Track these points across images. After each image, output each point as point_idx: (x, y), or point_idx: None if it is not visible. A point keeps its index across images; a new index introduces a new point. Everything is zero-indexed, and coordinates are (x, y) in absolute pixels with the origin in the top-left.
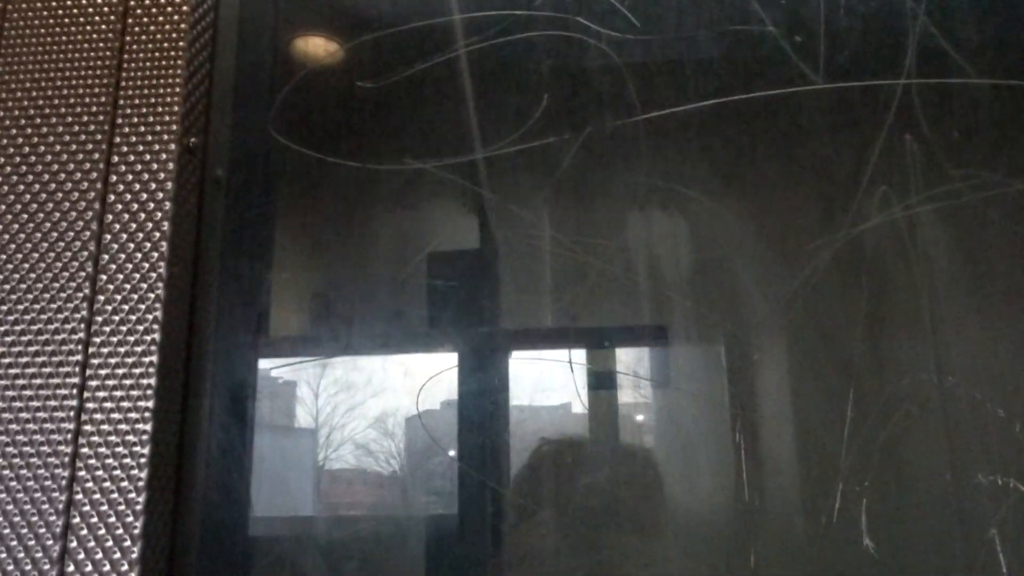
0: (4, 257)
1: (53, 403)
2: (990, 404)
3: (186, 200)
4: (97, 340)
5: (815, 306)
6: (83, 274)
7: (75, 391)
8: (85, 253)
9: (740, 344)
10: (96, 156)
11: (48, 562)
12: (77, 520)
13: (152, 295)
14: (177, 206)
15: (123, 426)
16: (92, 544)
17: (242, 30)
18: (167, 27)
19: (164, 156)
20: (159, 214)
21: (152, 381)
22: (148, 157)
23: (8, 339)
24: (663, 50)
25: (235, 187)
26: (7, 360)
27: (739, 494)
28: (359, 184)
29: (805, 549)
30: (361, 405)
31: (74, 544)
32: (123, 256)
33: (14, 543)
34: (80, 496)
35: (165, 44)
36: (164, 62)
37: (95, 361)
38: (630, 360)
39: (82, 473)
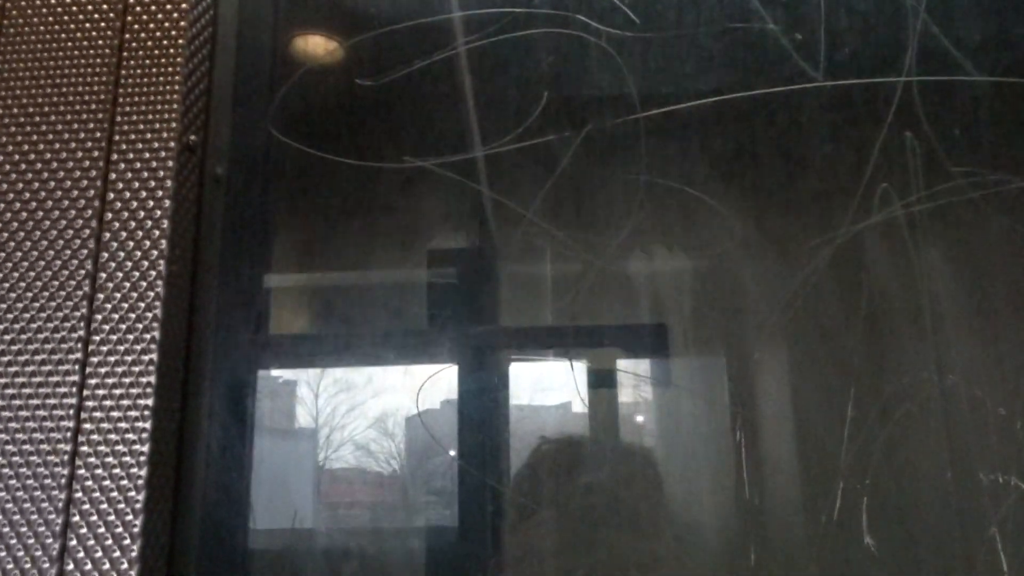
0: (4, 255)
1: (52, 401)
2: (991, 402)
3: (185, 198)
4: (96, 338)
5: (815, 304)
6: (82, 272)
7: (74, 389)
8: (84, 251)
9: (740, 343)
10: (96, 154)
11: (48, 560)
12: (77, 518)
13: (151, 293)
14: (176, 204)
15: (122, 424)
16: (92, 543)
17: (242, 28)
18: (166, 25)
19: (163, 154)
20: (158, 212)
21: (151, 379)
22: (147, 155)
23: (7, 337)
24: (663, 48)
25: (235, 185)
26: (7, 358)
27: (739, 493)
28: (359, 182)
29: (806, 548)
30: (361, 405)
31: (73, 542)
32: (122, 254)
33: (13, 541)
34: (80, 494)
35: (165, 42)
36: (164, 60)
37: (94, 359)
38: (630, 359)
39: (81, 471)
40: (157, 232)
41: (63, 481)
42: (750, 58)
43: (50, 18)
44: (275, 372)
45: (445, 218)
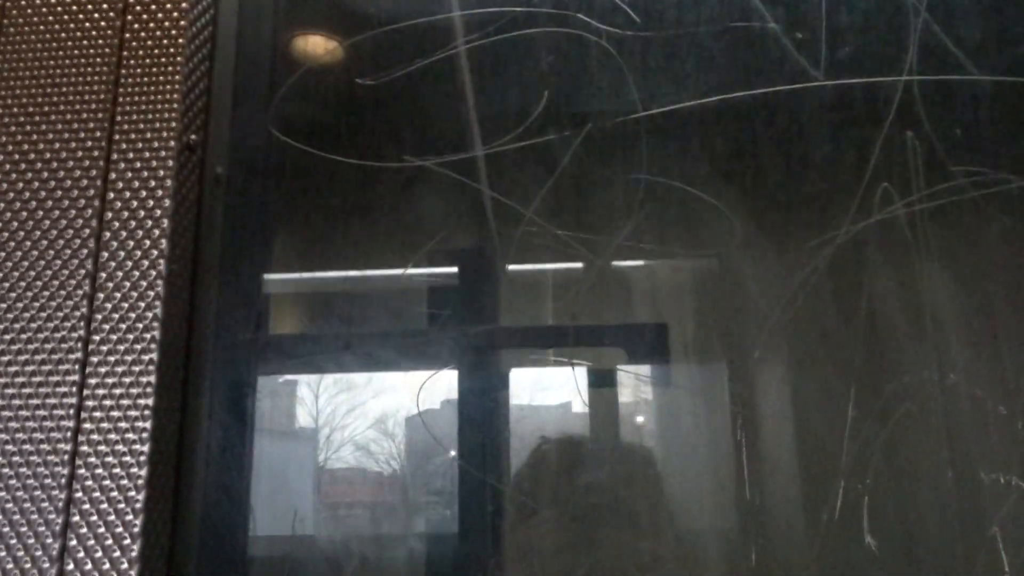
0: (4, 255)
1: (52, 400)
2: (991, 402)
3: (185, 197)
4: (96, 338)
5: (816, 304)
6: (83, 271)
7: (74, 388)
8: (85, 250)
9: (741, 342)
10: (96, 153)
11: (47, 560)
12: (77, 518)
13: (151, 292)
14: (176, 203)
15: (123, 424)
16: (92, 542)
17: (241, 27)
18: (166, 24)
19: (163, 153)
20: (158, 211)
21: (151, 379)
22: (147, 154)
23: (8, 336)
24: (664, 47)
25: (235, 184)
26: (6, 357)
27: (740, 493)
28: (359, 181)
29: (806, 547)
30: (362, 406)
31: (73, 542)
32: (122, 253)
33: (13, 541)
34: (80, 494)
35: (165, 41)
36: (163, 59)
37: (94, 359)
38: (631, 358)
39: (82, 471)
40: (157, 231)
41: (63, 481)
42: (751, 57)
43: (50, 17)
44: (275, 371)
45: (445, 218)
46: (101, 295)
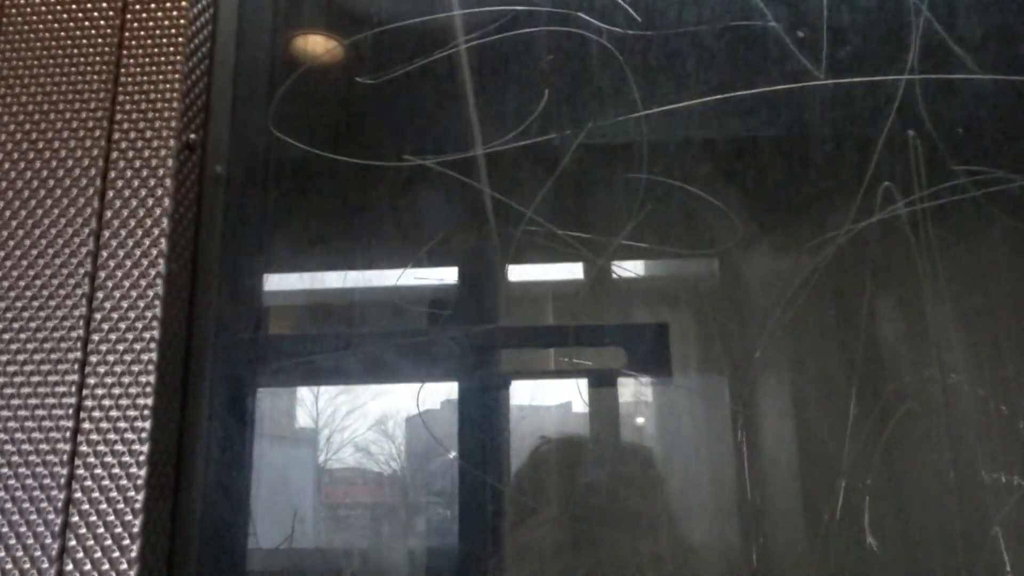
0: (3, 254)
1: (52, 400)
2: (993, 401)
3: (185, 196)
4: (96, 337)
5: (817, 303)
6: (81, 271)
7: (73, 388)
8: (84, 250)
9: (742, 341)
10: (95, 152)
11: (47, 560)
12: (76, 519)
13: (151, 292)
14: (176, 202)
15: (122, 424)
16: (91, 543)
17: (241, 25)
18: (166, 22)
19: (163, 152)
20: (158, 210)
21: (151, 379)
22: (147, 153)
23: (6, 336)
24: (664, 46)
25: (234, 183)
26: (5, 357)
27: (740, 492)
28: (359, 180)
29: (807, 547)
30: (362, 407)
31: (73, 543)
32: (122, 253)
33: (12, 541)
34: (79, 494)
35: (164, 39)
36: (163, 57)
37: (93, 359)
38: (631, 358)
39: (81, 471)
40: (156, 231)
41: (62, 481)
42: (752, 56)
43: (49, 16)
44: (275, 371)
45: (445, 218)
46: (100, 294)
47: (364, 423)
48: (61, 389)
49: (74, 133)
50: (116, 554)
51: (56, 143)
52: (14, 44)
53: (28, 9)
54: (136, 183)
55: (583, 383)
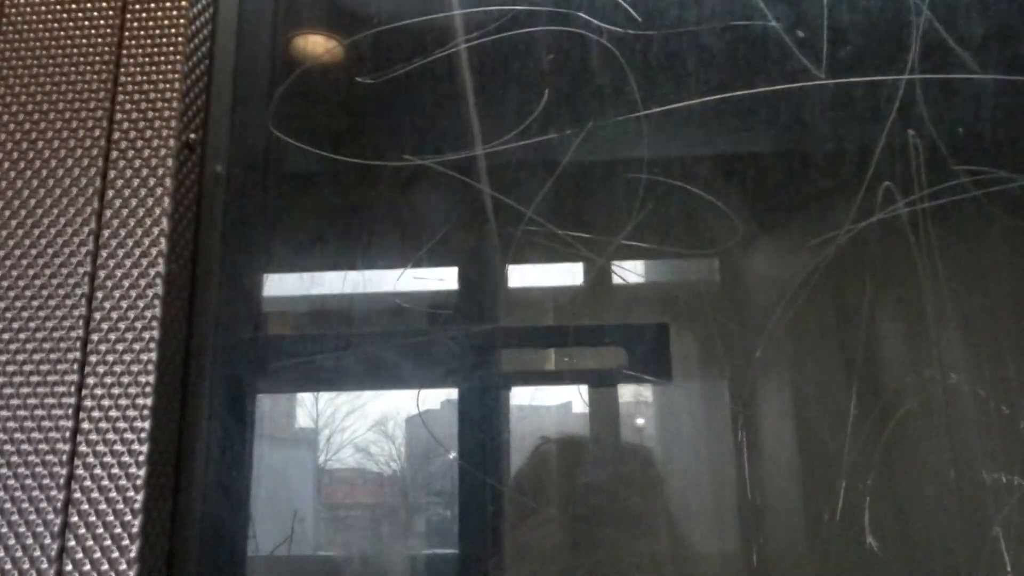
0: (2, 254)
1: (51, 400)
2: (994, 401)
3: (185, 196)
4: (95, 337)
5: (817, 302)
6: (81, 271)
7: (73, 389)
8: (83, 250)
9: (742, 341)
10: (95, 152)
11: (46, 561)
12: (75, 519)
13: (150, 292)
14: (176, 202)
15: (121, 424)
16: (90, 543)
17: (241, 25)
18: (166, 22)
19: (163, 152)
20: (157, 210)
21: (150, 379)
22: (147, 153)
23: (6, 336)
24: (665, 45)
25: (234, 183)
26: (4, 357)
27: (741, 492)
28: (358, 180)
29: (807, 548)
30: (361, 408)
31: (72, 543)
32: (121, 253)
33: (12, 541)
34: (78, 494)
35: (164, 39)
36: (163, 57)
37: (93, 358)
38: (631, 358)
39: (80, 471)
40: (156, 231)
41: (61, 481)
42: (752, 56)
43: (49, 16)
44: (275, 372)
45: (445, 217)
46: (100, 294)
47: (364, 423)
48: (60, 389)
49: (74, 133)
50: (115, 554)
51: (56, 143)
52: (14, 44)
53: (28, 9)
54: (136, 183)
55: (583, 383)
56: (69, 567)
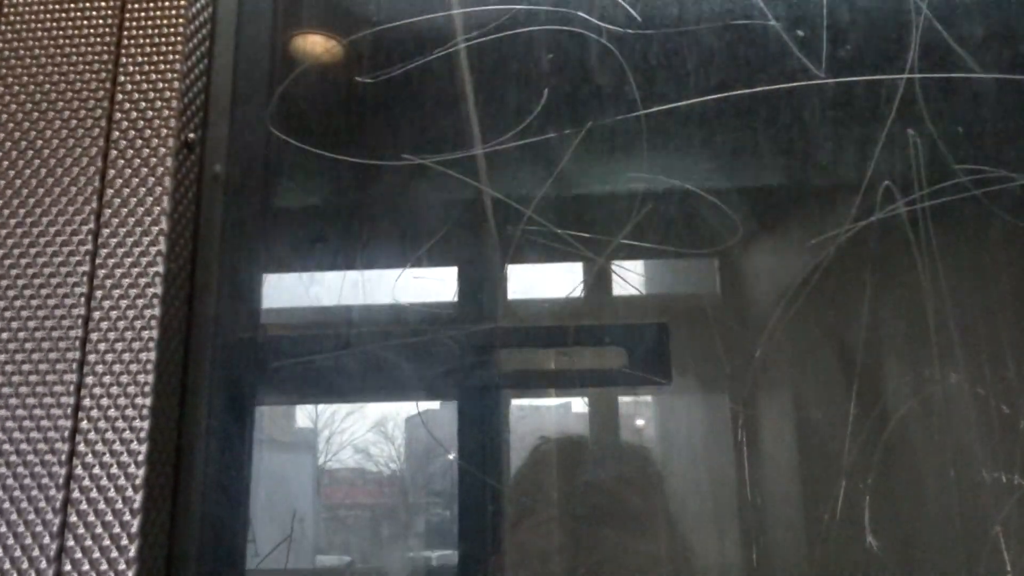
0: (1, 253)
1: (50, 400)
2: (994, 401)
3: (184, 196)
4: (94, 336)
5: (817, 302)
6: (80, 270)
7: (72, 388)
8: (82, 249)
9: (742, 341)
10: (93, 151)
11: (45, 561)
12: (74, 518)
13: (150, 292)
14: (175, 202)
15: (120, 424)
16: (89, 543)
17: (241, 25)
18: (165, 21)
19: (162, 151)
20: (157, 210)
21: (149, 378)
22: (146, 152)
23: (5, 335)
24: (664, 45)
25: (233, 183)
26: (3, 356)
27: (741, 492)
28: (358, 180)
29: (807, 547)
30: (361, 408)
31: (71, 543)
32: (120, 252)
33: (10, 541)
34: (77, 494)
35: (163, 38)
36: (162, 57)
37: (92, 358)
38: (631, 358)
39: (79, 470)
40: (155, 230)
41: (60, 481)
42: (752, 55)
43: (47, 15)
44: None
45: (445, 217)
46: (99, 294)
47: (364, 424)
48: (59, 389)
49: (72, 132)
50: (114, 554)
51: (55, 142)
52: (12, 44)
53: (26, 8)
54: (135, 182)
55: (583, 383)
56: (68, 567)
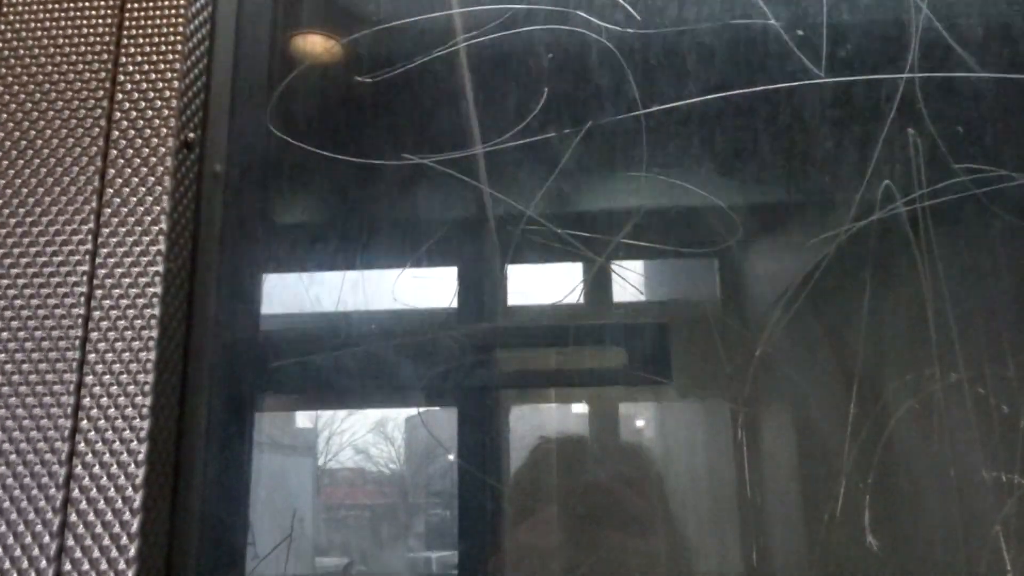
0: (2, 252)
1: (49, 400)
2: (994, 400)
3: (184, 195)
4: (94, 336)
5: (817, 301)
6: (80, 270)
7: (72, 388)
8: (82, 249)
9: (742, 340)
10: (93, 151)
11: (44, 560)
12: (74, 518)
13: (149, 291)
14: (174, 201)
15: (120, 423)
16: (89, 542)
17: (240, 24)
18: (164, 20)
19: (162, 151)
20: (156, 209)
21: (149, 378)
22: (145, 152)
23: (5, 335)
24: (664, 44)
25: (233, 182)
26: (3, 356)
27: (741, 492)
28: (358, 179)
29: (807, 547)
30: (361, 408)
31: (71, 542)
32: (120, 252)
33: (10, 540)
34: (77, 493)
35: (162, 38)
36: (161, 56)
37: (92, 357)
38: (631, 358)
39: (79, 470)
40: (155, 230)
41: (60, 480)
42: (752, 54)
43: (47, 15)
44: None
45: (445, 216)
46: (99, 293)
47: (364, 424)
48: (59, 388)
49: (72, 132)
50: (114, 554)
51: (54, 142)
52: (12, 43)
53: (26, 8)
54: (135, 182)
55: (583, 383)
56: (68, 566)
